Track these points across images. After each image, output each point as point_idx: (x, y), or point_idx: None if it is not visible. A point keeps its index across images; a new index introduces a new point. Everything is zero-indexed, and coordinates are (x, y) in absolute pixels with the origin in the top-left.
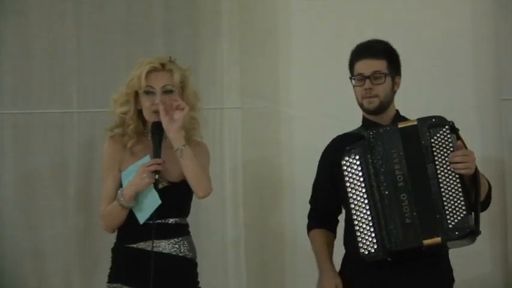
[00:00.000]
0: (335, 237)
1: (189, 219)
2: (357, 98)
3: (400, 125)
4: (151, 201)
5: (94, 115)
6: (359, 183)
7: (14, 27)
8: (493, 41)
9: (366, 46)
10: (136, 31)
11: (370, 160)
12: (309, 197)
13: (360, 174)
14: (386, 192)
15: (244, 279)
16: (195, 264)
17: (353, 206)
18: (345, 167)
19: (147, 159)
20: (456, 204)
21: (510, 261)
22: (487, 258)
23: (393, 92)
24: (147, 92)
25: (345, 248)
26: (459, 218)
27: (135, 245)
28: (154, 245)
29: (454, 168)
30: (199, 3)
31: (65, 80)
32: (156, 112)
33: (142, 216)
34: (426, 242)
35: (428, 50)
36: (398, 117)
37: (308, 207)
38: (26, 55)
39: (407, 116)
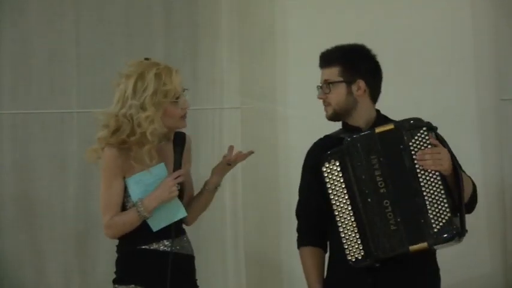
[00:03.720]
0: (326, 251)
1: None
2: None
3: (378, 130)
4: (176, 212)
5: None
6: (341, 190)
7: (13, 27)
8: (493, 41)
9: (321, 54)
10: (137, 31)
11: (350, 166)
12: None
13: (342, 180)
14: (369, 200)
15: (244, 279)
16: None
17: (337, 213)
18: (325, 173)
19: (162, 167)
20: (440, 207)
21: (510, 261)
22: (487, 258)
23: (352, 97)
24: (177, 98)
25: (330, 249)
26: (444, 221)
27: (147, 246)
28: (164, 245)
29: (423, 166)
30: (199, 4)
31: (65, 80)
32: (184, 117)
33: (158, 225)
34: (412, 247)
35: (428, 50)
36: (380, 119)
37: None
38: (25, 55)
39: (405, 115)
